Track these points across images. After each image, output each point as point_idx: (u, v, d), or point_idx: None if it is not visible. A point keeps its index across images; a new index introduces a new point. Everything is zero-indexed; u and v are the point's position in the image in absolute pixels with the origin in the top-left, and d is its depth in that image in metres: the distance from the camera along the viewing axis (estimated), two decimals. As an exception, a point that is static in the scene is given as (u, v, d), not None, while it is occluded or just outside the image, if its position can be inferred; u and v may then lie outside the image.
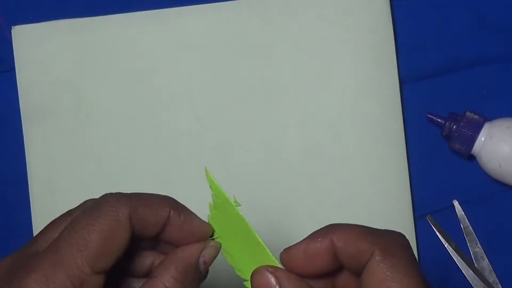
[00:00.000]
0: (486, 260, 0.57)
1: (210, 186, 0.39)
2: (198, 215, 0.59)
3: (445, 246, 0.58)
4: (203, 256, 0.38)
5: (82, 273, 0.35)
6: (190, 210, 0.40)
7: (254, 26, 0.58)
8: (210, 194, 0.40)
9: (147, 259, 0.40)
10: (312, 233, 0.37)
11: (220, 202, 0.39)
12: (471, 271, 0.57)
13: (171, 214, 0.38)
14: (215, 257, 0.39)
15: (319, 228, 0.38)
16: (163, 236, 0.39)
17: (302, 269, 0.37)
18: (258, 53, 0.58)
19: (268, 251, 0.37)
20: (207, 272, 0.39)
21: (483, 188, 0.58)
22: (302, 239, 0.37)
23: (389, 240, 0.36)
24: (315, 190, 0.57)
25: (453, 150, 0.57)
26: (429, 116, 0.58)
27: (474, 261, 0.57)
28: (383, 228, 0.35)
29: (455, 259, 0.57)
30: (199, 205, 0.58)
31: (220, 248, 0.39)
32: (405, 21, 0.59)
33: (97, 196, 0.40)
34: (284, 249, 0.37)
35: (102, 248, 0.36)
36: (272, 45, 0.58)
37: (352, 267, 0.36)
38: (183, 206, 0.39)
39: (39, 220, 0.57)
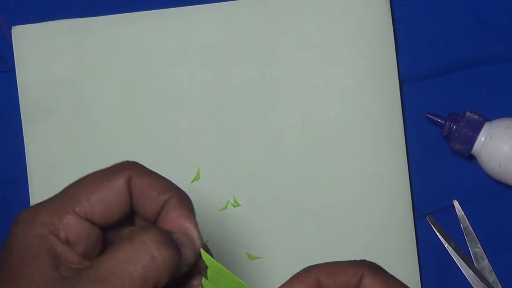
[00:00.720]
0: (486, 260, 0.57)
1: (207, 264, 0.37)
2: (198, 215, 0.59)
3: (445, 246, 0.58)
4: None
5: (62, 210, 0.35)
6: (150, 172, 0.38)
7: (254, 26, 0.58)
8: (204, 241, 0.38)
9: None
10: (293, 275, 0.37)
11: (217, 276, 0.37)
12: (471, 271, 0.57)
13: (169, 201, 0.37)
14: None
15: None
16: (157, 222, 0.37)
17: None
18: (258, 53, 0.58)
19: None
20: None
21: (483, 188, 0.58)
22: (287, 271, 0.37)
23: (370, 263, 0.37)
24: (315, 190, 0.57)
25: (453, 150, 0.57)
26: (429, 116, 0.58)
27: (474, 261, 0.57)
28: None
29: (455, 259, 0.57)
30: (199, 204, 0.59)
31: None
32: (405, 21, 0.59)
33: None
34: None
35: (91, 195, 0.35)
36: (272, 45, 0.58)
37: None
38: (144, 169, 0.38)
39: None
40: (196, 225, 0.37)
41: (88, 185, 0.36)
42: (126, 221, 0.38)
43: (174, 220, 0.37)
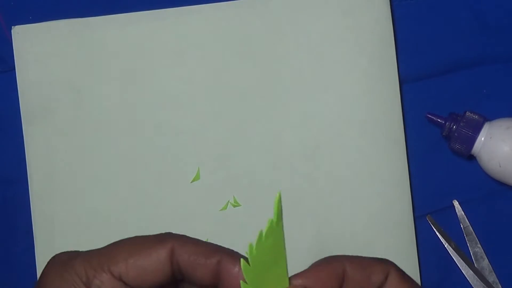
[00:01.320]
0: (486, 260, 0.57)
1: (276, 212, 0.36)
2: (198, 215, 0.60)
3: (445, 246, 0.58)
4: None
5: (98, 266, 0.36)
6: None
7: (254, 26, 0.58)
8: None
9: None
10: (322, 259, 0.37)
11: (274, 228, 0.36)
12: (471, 271, 0.57)
13: (222, 261, 0.36)
14: None
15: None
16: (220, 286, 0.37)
17: None
18: (258, 53, 0.58)
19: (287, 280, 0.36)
20: None
21: (483, 188, 0.58)
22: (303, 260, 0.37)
23: (394, 263, 0.37)
24: (315, 190, 0.57)
25: (453, 150, 0.57)
26: (429, 116, 0.58)
27: (474, 261, 0.58)
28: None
29: (455, 259, 0.57)
30: (199, 204, 0.59)
31: None
32: (405, 21, 0.59)
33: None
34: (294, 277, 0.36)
35: (128, 258, 0.36)
36: (272, 45, 0.58)
37: None
38: (239, 254, 0.37)
39: (39, 220, 0.57)
40: None
41: (128, 248, 0.37)
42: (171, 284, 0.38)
43: (237, 275, 0.36)
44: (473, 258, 0.58)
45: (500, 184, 0.57)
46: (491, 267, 0.57)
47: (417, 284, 0.36)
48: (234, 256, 0.37)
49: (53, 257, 0.37)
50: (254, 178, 0.58)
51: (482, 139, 0.55)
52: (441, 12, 0.59)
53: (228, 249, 0.37)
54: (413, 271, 0.57)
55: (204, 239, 0.41)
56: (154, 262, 0.36)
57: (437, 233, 0.58)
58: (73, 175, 0.58)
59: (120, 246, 0.37)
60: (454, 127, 0.56)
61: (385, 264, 0.36)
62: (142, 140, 0.58)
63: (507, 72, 0.59)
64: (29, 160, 0.58)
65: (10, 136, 0.59)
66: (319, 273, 0.36)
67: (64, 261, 0.37)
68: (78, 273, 0.36)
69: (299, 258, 0.57)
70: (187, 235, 0.38)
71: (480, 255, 0.58)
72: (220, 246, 0.37)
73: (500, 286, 0.57)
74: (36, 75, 0.58)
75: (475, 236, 0.58)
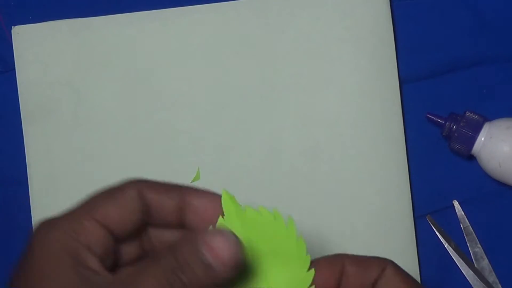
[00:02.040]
0: (486, 260, 0.57)
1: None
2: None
3: (445, 246, 0.58)
4: (210, 246, 0.34)
5: (81, 217, 0.36)
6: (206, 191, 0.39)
7: (254, 26, 0.58)
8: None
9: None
10: (323, 256, 0.38)
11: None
12: (471, 271, 0.57)
13: (186, 193, 0.38)
14: (233, 250, 0.34)
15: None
16: (187, 224, 0.38)
17: None
18: (258, 53, 0.58)
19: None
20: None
21: (483, 188, 0.58)
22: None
23: (390, 260, 0.38)
24: (315, 190, 0.57)
25: (453, 150, 0.57)
26: (429, 116, 0.58)
27: (474, 261, 0.58)
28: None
29: (455, 259, 0.57)
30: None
31: (237, 238, 0.33)
32: (405, 21, 0.59)
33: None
34: None
35: (106, 203, 0.37)
36: (272, 45, 0.58)
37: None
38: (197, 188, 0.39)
39: (39, 220, 0.57)
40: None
41: (102, 196, 0.38)
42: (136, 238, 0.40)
43: (207, 205, 0.38)
44: (473, 258, 0.58)
45: (500, 184, 0.57)
46: (491, 267, 0.57)
47: (414, 279, 0.37)
48: (200, 190, 0.38)
49: (36, 226, 0.38)
50: (254, 178, 0.58)
51: (482, 139, 0.55)
52: (441, 12, 0.59)
53: (195, 186, 0.39)
54: (413, 271, 0.57)
55: None
56: (128, 201, 0.37)
57: (437, 233, 0.58)
58: (73, 175, 0.58)
59: (95, 197, 0.38)
60: (454, 127, 0.56)
61: (383, 260, 0.37)
62: (142, 140, 0.58)
63: (507, 72, 0.59)
64: (29, 160, 0.58)
65: (10, 136, 0.59)
66: (319, 266, 0.38)
67: (48, 223, 0.37)
68: (63, 229, 0.36)
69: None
70: None
71: (480, 255, 0.58)
72: (185, 184, 0.39)
73: (500, 286, 0.57)
74: (36, 75, 0.58)
75: (475, 236, 0.58)
